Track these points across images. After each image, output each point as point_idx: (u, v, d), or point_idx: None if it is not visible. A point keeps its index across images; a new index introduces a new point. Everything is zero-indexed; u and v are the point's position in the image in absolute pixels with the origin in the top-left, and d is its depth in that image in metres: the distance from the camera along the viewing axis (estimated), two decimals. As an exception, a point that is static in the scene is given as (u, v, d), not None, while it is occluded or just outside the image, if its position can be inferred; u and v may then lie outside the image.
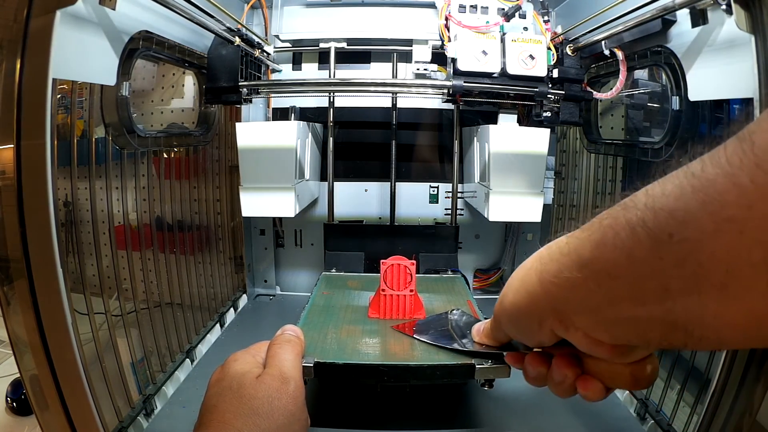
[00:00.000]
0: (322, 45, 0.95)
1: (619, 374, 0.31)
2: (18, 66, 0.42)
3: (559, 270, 0.27)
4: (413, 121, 1.00)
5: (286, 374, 0.42)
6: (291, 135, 0.79)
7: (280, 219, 1.05)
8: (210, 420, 0.38)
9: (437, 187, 1.03)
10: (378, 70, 0.99)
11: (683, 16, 0.60)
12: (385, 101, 0.98)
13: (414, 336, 0.57)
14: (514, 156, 0.78)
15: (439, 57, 0.90)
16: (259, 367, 0.43)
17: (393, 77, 0.97)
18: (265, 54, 0.90)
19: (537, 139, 0.78)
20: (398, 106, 0.97)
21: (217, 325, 0.90)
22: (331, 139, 0.95)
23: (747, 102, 0.50)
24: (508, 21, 0.78)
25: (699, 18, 0.56)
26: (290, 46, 0.98)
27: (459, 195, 0.95)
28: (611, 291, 0.24)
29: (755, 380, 0.46)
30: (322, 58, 0.99)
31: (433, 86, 0.83)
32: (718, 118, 0.63)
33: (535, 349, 0.38)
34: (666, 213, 0.21)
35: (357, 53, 0.98)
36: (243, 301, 1.04)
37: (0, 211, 0.43)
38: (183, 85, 0.94)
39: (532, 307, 0.31)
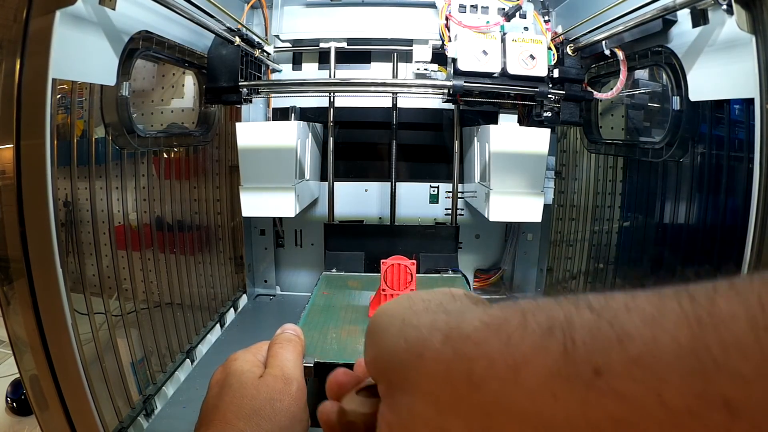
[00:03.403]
0: (322, 45, 0.95)
1: None
2: (18, 66, 0.42)
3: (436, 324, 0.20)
4: (413, 121, 0.99)
5: (288, 375, 0.41)
6: (291, 135, 0.78)
7: (280, 219, 1.05)
8: (211, 420, 0.38)
9: (437, 187, 1.03)
10: (378, 70, 0.99)
11: (684, 16, 0.60)
12: (385, 101, 0.97)
13: None
14: (514, 156, 0.78)
15: (439, 57, 0.90)
16: (261, 367, 0.43)
17: (393, 77, 0.97)
18: (265, 54, 0.90)
19: (537, 139, 0.78)
20: (398, 106, 0.97)
21: (218, 325, 0.90)
22: (331, 139, 0.95)
23: (748, 102, 0.50)
24: (509, 21, 0.78)
25: (700, 18, 0.56)
26: (290, 46, 0.98)
27: (459, 195, 0.95)
28: (467, 397, 0.17)
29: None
30: (322, 58, 0.99)
31: (433, 86, 0.83)
32: (719, 118, 0.62)
33: None
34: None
35: (357, 53, 0.97)
36: (243, 301, 1.04)
37: (0, 211, 0.43)
38: (183, 85, 0.94)
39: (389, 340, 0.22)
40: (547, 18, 0.82)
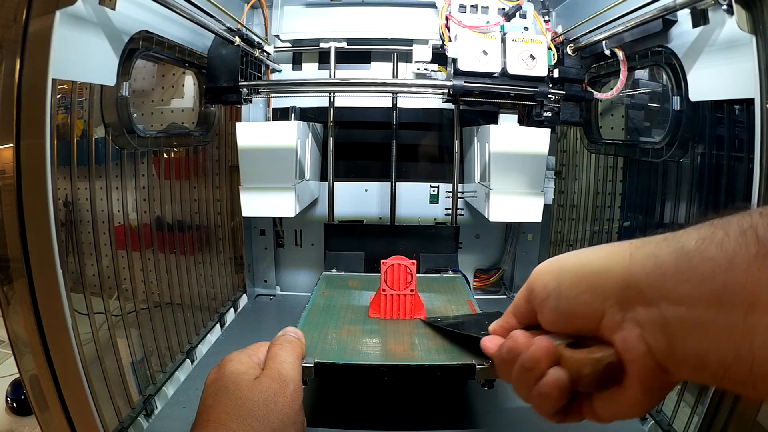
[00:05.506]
0: (322, 45, 0.95)
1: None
2: (18, 66, 0.42)
3: (656, 250, 0.26)
4: (413, 121, 0.99)
5: (285, 376, 0.41)
6: (291, 135, 0.78)
7: (281, 219, 1.05)
8: (206, 420, 0.38)
9: (437, 187, 1.03)
10: (378, 70, 0.99)
11: (684, 16, 0.60)
12: (385, 101, 0.97)
13: (426, 320, 0.62)
14: (514, 156, 0.78)
15: (439, 57, 0.90)
16: (256, 369, 0.42)
17: (393, 77, 0.97)
18: (265, 54, 0.90)
19: (537, 139, 0.78)
20: (398, 106, 0.97)
21: (217, 325, 0.90)
22: (331, 139, 0.95)
23: (748, 102, 0.50)
24: (509, 21, 0.78)
25: (700, 18, 0.56)
26: (290, 46, 0.98)
27: (459, 195, 0.95)
28: (700, 289, 0.23)
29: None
30: (322, 58, 0.99)
31: (433, 86, 0.83)
32: (719, 119, 0.62)
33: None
34: None
35: (357, 53, 0.98)
36: (243, 301, 1.04)
37: (0, 211, 0.43)
38: (183, 85, 0.94)
39: (607, 274, 0.28)
40: (547, 18, 0.82)
